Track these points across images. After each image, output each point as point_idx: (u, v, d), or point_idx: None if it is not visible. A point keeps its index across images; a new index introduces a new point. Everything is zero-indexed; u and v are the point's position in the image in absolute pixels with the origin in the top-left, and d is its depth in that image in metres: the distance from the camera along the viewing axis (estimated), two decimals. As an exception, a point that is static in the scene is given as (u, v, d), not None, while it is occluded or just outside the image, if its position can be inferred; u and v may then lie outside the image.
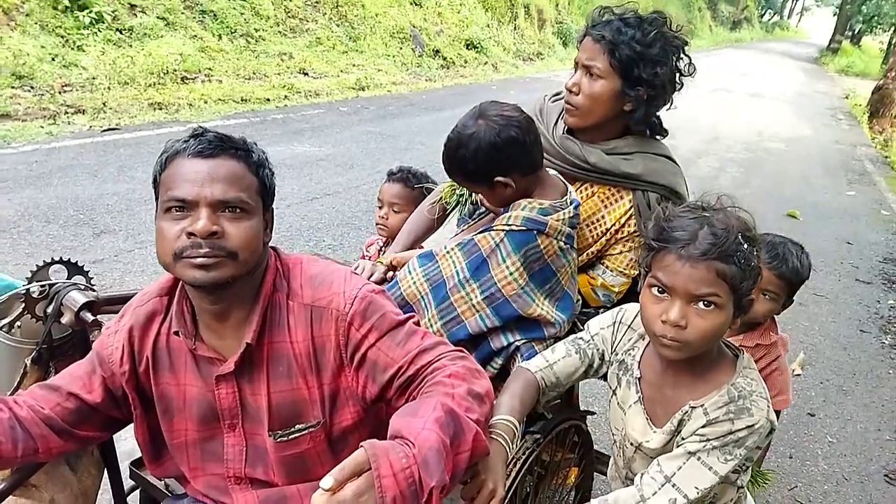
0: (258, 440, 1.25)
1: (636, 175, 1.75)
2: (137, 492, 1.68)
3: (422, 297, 1.59)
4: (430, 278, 1.59)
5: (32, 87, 6.81)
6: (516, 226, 1.54)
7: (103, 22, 8.01)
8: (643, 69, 1.64)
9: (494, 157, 1.52)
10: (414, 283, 1.60)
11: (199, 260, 1.08)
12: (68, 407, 1.22)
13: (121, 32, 8.21)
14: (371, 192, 4.20)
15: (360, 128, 7.94)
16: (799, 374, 3.65)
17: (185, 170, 1.11)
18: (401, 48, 12.63)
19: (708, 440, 1.23)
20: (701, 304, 1.17)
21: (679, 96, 1.78)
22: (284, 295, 1.21)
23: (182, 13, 9.10)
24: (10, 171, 5.09)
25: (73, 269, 1.50)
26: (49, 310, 1.41)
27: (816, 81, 22.41)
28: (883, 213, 7.74)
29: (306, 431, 1.22)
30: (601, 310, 1.77)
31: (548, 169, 1.68)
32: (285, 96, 8.84)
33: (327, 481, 0.87)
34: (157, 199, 1.15)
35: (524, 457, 1.42)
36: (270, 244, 1.24)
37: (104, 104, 6.99)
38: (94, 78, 7.34)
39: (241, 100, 8.23)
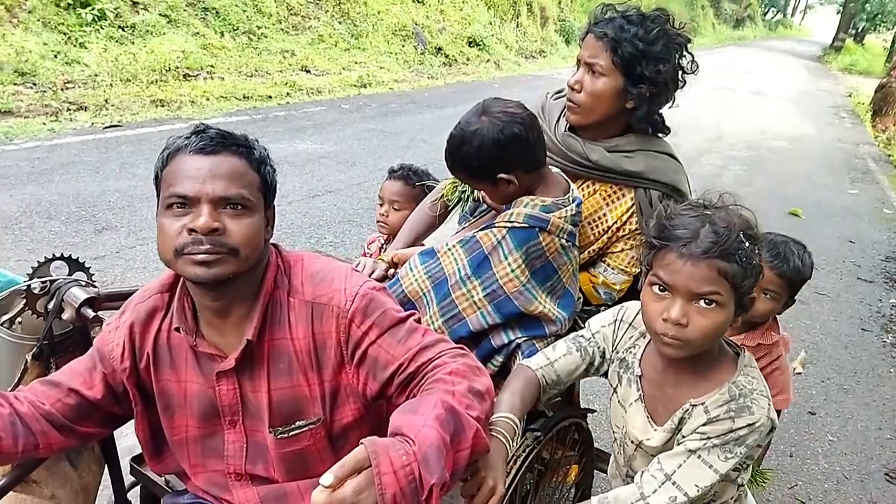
0: (259, 437, 1.25)
1: (638, 173, 1.75)
2: (138, 488, 1.68)
3: (423, 294, 1.59)
4: (431, 275, 1.59)
5: (35, 84, 6.81)
6: (518, 223, 1.53)
7: (106, 19, 8.02)
8: (645, 67, 1.64)
9: (497, 154, 1.52)
10: (415, 280, 1.60)
11: (201, 256, 1.08)
12: (69, 403, 1.22)
13: (123, 29, 8.21)
14: (373, 189, 4.19)
15: (361, 125, 7.93)
16: (800, 373, 3.65)
17: (186, 166, 1.11)
18: (403, 46, 12.61)
19: (708, 438, 1.23)
20: (702, 303, 1.17)
21: (682, 94, 1.77)
22: (285, 292, 1.22)
23: (184, 10, 9.10)
24: (13, 168, 5.10)
25: (75, 265, 1.51)
26: (50, 306, 1.42)
27: (819, 80, 22.34)
28: (885, 212, 7.72)
29: (307, 428, 1.22)
30: (602, 308, 1.76)
31: (550, 166, 1.68)
32: (287, 93, 8.83)
33: (327, 478, 0.87)
34: (158, 195, 1.15)
35: (524, 454, 1.42)
36: (272, 241, 1.24)
37: (106, 101, 6.99)
38: (96, 75, 7.34)
39: (244, 97, 8.22)
